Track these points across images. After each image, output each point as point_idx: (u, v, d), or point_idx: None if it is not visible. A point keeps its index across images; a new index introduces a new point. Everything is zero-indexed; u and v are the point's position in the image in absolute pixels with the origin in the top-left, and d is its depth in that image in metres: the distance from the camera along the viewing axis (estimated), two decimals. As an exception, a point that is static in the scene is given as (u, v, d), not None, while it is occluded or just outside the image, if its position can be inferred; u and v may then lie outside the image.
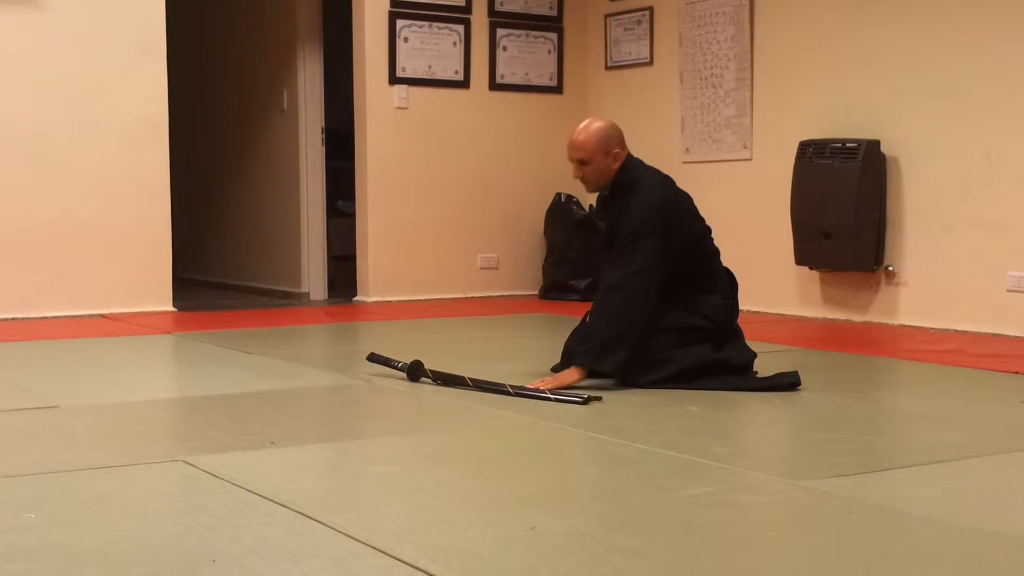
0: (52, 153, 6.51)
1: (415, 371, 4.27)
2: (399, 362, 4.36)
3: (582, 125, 4.27)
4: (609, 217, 4.29)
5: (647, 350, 4.11)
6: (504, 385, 4.02)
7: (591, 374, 4.13)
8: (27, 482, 2.81)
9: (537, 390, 3.94)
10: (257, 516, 2.48)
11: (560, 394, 3.89)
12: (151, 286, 6.78)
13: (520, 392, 3.96)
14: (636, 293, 4.08)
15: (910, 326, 6.06)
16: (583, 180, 4.26)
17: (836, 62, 6.46)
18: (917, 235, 6.08)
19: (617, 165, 4.22)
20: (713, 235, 4.36)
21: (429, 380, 4.23)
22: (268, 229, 8.42)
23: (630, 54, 7.82)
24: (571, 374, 4.07)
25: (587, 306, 4.75)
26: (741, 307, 4.46)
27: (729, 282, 4.36)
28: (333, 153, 8.17)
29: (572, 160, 4.24)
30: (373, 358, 4.48)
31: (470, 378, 4.13)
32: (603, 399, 3.88)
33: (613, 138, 4.22)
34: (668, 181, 4.30)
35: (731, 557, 2.24)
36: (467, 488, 2.79)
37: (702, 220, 4.33)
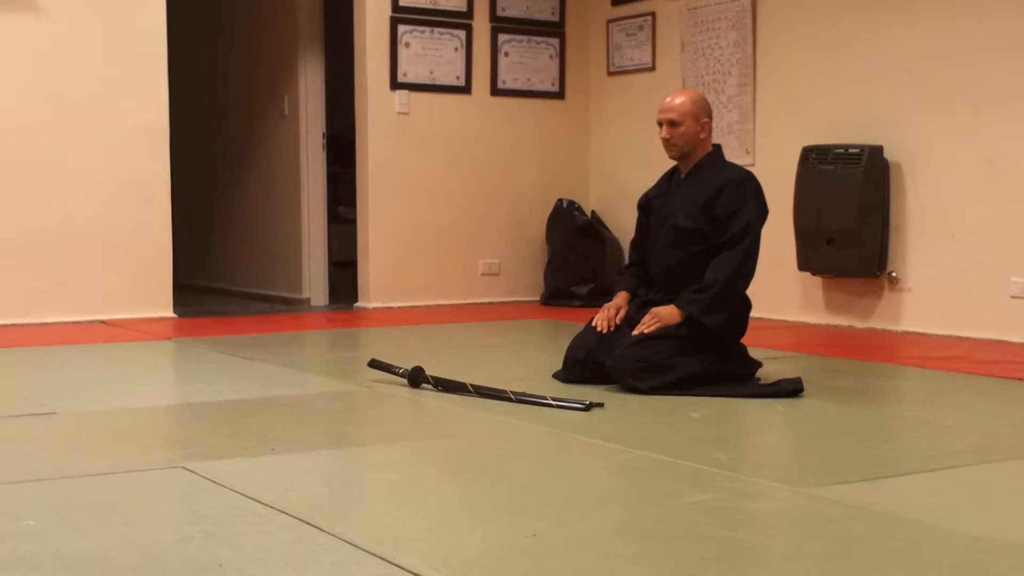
0: (53, 159, 6.51)
1: (416, 377, 4.26)
2: (400, 368, 4.36)
3: (676, 91, 4.57)
4: (685, 192, 4.37)
5: (649, 356, 4.11)
6: (506, 392, 4.01)
7: (598, 377, 4.21)
8: (27, 489, 2.80)
9: (542, 398, 3.93)
10: (257, 523, 2.47)
11: (562, 401, 3.88)
12: (151, 292, 6.77)
13: (522, 398, 3.95)
14: (750, 267, 4.26)
15: (913, 332, 6.05)
16: (669, 143, 4.38)
17: (839, 68, 6.45)
18: (920, 241, 6.07)
19: (704, 136, 4.38)
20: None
21: (430, 386, 4.22)
22: (269, 235, 8.41)
23: (632, 59, 7.81)
24: (675, 315, 4.18)
25: (589, 312, 4.75)
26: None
27: (743, 302, 4.37)
28: (334, 159, 8.18)
29: (663, 121, 4.38)
30: (374, 364, 4.48)
31: (471, 384, 4.12)
32: (604, 405, 3.87)
33: (704, 109, 4.41)
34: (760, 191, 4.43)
35: (733, 564, 2.23)
36: (468, 495, 2.78)
37: None
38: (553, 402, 3.88)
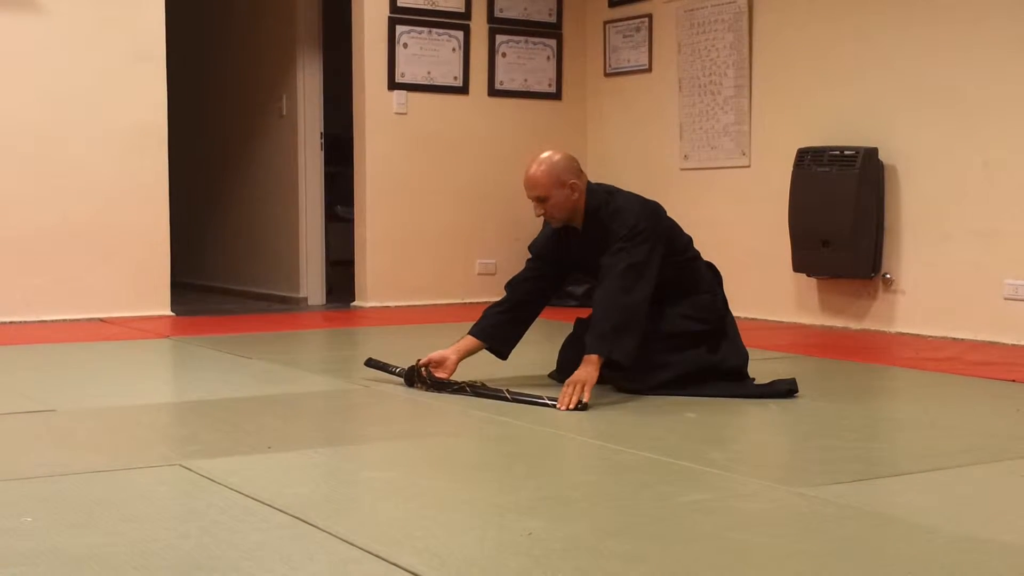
0: (52, 158, 6.52)
1: (412, 376, 4.27)
2: (397, 367, 4.37)
3: (533, 162, 4.17)
4: (586, 243, 4.20)
5: (644, 356, 4.11)
6: (502, 391, 4.02)
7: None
8: (24, 485, 2.81)
9: (539, 398, 3.93)
10: (254, 521, 2.48)
11: (557, 400, 3.88)
12: (149, 290, 6.78)
13: (518, 398, 3.95)
14: (641, 281, 4.00)
15: (907, 334, 6.07)
16: (547, 216, 4.19)
17: (834, 70, 6.47)
18: (915, 243, 6.09)
19: (577, 196, 4.14)
20: (710, 241, 4.37)
21: (426, 386, 4.22)
22: (267, 234, 8.42)
23: (629, 61, 7.82)
24: (591, 370, 3.87)
25: (584, 312, 4.76)
26: (739, 314, 4.48)
27: (713, 276, 4.37)
28: (332, 158, 8.18)
29: (531, 199, 4.19)
30: (371, 363, 4.48)
31: (467, 383, 4.13)
32: (593, 406, 3.87)
33: (566, 168, 4.14)
34: (648, 201, 4.24)
35: (728, 564, 2.25)
36: (464, 493, 2.79)
37: (683, 232, 4.35)
38: (549, 402, 3.88)
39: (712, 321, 4.25)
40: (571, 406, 3.79)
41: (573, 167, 4.18)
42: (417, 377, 4.25)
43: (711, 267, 4.41)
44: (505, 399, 3.97)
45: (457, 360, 4.24)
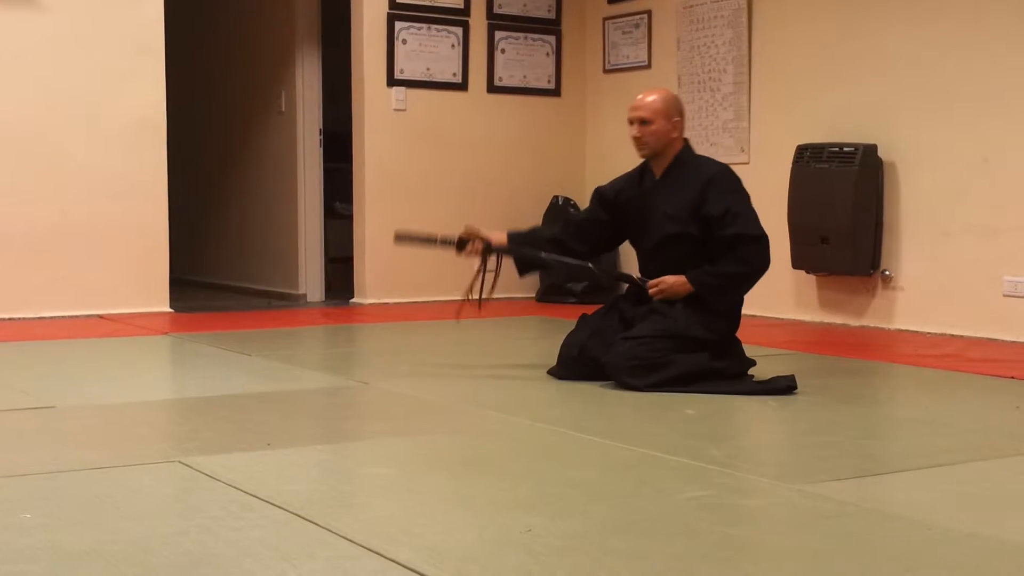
0: (50, 154, 6.51)
1: (464, 243, 4.36)
2: (438, 236, 4.41)
3: (649, 90, 4.44)
4: (662, 189, 4.35)
5: (644, 354, 4.12)
6: (587, 263, 4.26)
7: (592, 374, 4.23)
8: (23, 482, 2.81)
9: (629, 276, 4.25)
10: (253, 517, 2.48)
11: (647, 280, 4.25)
12: (148, 287, 6.78)
13: (605, 272, 4.31)
14: (766, 253, 4.24)
15: (906, 330, 6.07)
16: (640, 141, 4.34)
17: (834, 66, 6.46)
18: (914, 240, 6.09)
19: (676, 134, 4.34)
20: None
21: (486, 251, 4.36)
22: (265, 231, 8.42)
23: (628, 57, 7.82)
24: (682, 282, 4.21)
25: (583, 309, 4.76)
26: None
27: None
28: (331, 155, 8.18)
29: (633, 120, 4.34)
30: (403, 237, 4.57)
31: (545, 254, 4.32)
32: (593, 404, 3.87)
33: (676, 107, 4.37)
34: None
35: (728, 560, 2.25)
36: (463, 490, 2.79)
37: None
38: (640, 280, 4.23)
39: (721, 332, 4.28)
40: (657, 296, 4.23)
41: (681, 110, 4.41)
42: (469, 241, 4.38)
43: None
44: (589, 271, 4.27)
45: (499, 241, 4.46)
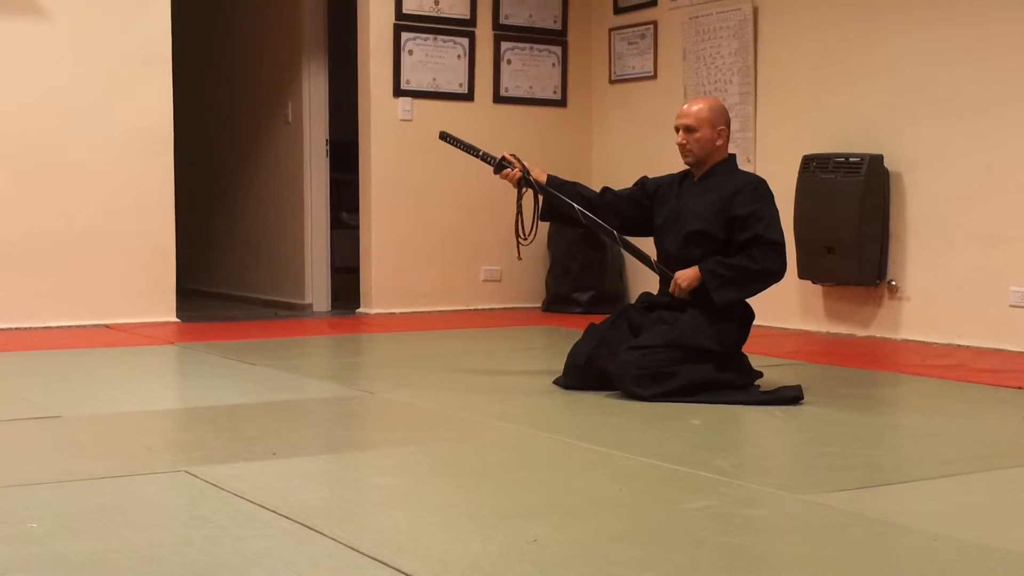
0: (57, 163, 6.53)
1: (504, 163, 4.60)
2: (480, 150, 4.69)
3: (696, 99, 4.56)
4: (698, 192, 4.42)
5: (651, 364, 4.12)
6: (613, 232, 4.40)
7: (599, 383, 4.26)
8: (30, 492, 2.81)
9: (648, 257, 4.36)
10: (259, 527, 2.48)
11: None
12: (154, 297, 6.79)
13: (627, 242, 4.42)
14: (782, 259, 4.28)
15: (912, 341, 6.06)
16: (685, 148, 4.41)
17: (839, 77, 6.47)
18: (919, 250, 6.08)
19: (721, 143, 4.41)
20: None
21: (524, 182, 4.58)
22: (272, 240, 8.43)
23: (634, 68, 7.83)
24: (694, 273, 4.26)
25: (590, 319, 4.76)
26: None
27: (746, 312, 4.38)
28: (337, 165, 8.19)
29: (679, 127, 4.42)
30: (446, 137, 4.85)
31: (580, 209, 4.43)
32: (598, 414, 3.87)
33: (722, 116, 4.44)
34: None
35: (733, 570, 2.25)
36: (469, 499, 2.79)
37: None
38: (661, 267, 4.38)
39: (727, 346, 4.28)
40: (678, 294, 4.31)
41: (727, 119, 4.47)
42: (509, 165, 4.60)
43: (747, 305, 4.43)
44: (614, 235, 4.38)
45: (539, 177, 4.64)
